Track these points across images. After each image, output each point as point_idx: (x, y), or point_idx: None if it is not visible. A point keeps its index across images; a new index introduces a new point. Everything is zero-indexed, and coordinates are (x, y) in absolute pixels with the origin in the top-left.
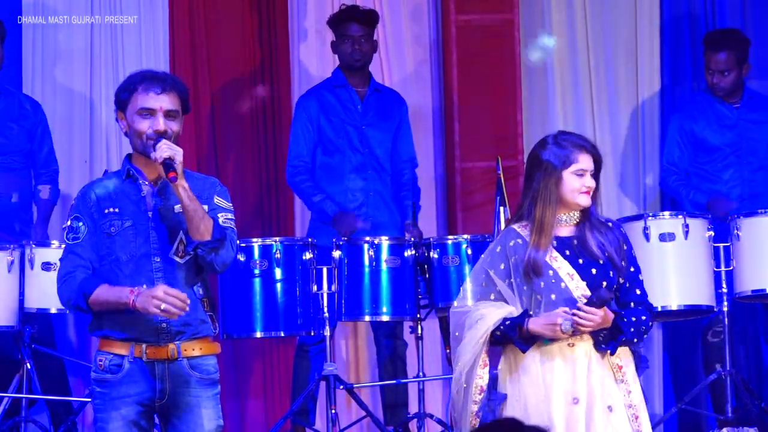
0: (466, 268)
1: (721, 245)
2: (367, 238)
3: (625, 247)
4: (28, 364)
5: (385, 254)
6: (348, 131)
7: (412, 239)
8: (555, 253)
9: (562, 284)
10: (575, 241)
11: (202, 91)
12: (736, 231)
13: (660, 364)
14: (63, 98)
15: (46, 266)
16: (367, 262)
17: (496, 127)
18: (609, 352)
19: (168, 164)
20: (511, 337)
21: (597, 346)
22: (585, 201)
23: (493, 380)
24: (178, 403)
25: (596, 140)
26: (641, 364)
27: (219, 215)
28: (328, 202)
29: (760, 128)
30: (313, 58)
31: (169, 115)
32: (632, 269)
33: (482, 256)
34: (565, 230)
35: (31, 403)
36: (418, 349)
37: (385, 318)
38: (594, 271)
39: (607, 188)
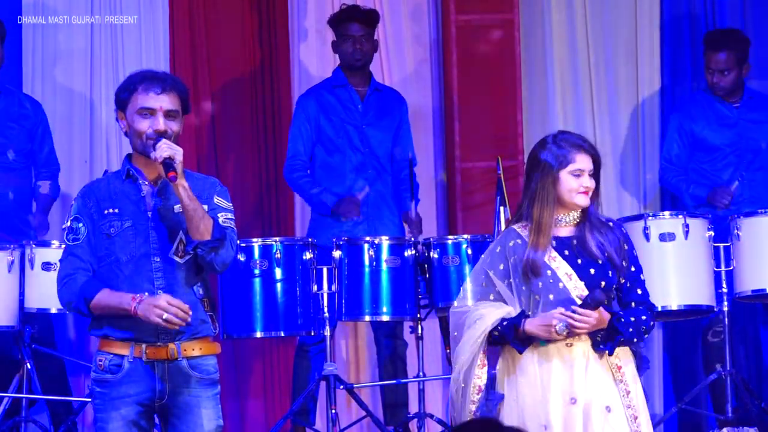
0: (466, 268)
1: (721, 245)
2: (368, 238)
3: (625, 247)
4: (28, 364)
5: (385, 254)
6: (348, 131)
7: (412, 239)
8: (554, 253)
9: (560, 284)
10: (575, 241)
11: (202, 91)
12: (736, 231)
13: (660, 364)
14: (63, 98)
15: (46, 266)
16: (367, 262)
17: (496, 127)
18: (607, 352)
19: (168, 164)
20: (508, 338)
21: (595, 346)
22: (583, 201)
23: (492, 380)
24: (177, 403)
25: (596, 140)
26: (642, 365)
27: (219, 215)
28: (327, 193)
29: (760, 128)
30: (313, 58)
31: (169, 114)
32: (633, 269)
33: (482, 256)
34: (565, 230)
35: (31, 403)
36: (418, 349)
37: (385, 318)
38: (592, 271)
39: (607, 188)
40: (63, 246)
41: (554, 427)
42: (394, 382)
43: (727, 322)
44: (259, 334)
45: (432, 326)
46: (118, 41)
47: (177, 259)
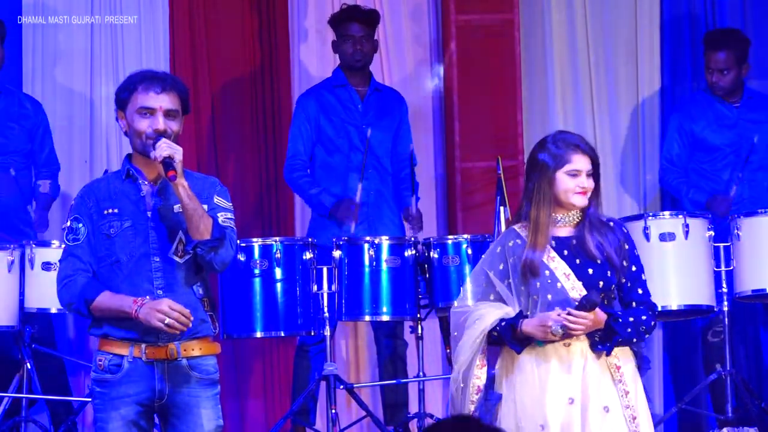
0: (466, 268)
1: (721, 245)
2: (368, 238)
3: (626, 247)
4: (28, 364)
5: (385, 254)
6: (349, 131)
7: (412, 238)
8: (553, 253)
9: (558, 284)
10: (574, 241)
11: (202, 91)
12: (736, 231)
13: (660, 364)
14: (63, 98)
15: (46, 266)
16: (367, 261)
17: (496, 127)
18: (605, 353)
19: (167, 163)
20: (506, 338)
21: (593, 347)
22: (580, 201)
23: (491, 380)
24: (177, 403)
25: (596, 140)
26: (643, 365)
27: (219, 215)
28: (325, 194)
29: (759, 128)
30: (313, 58)
31: (168, 114)
32: (634, 268)
33: (483, 256)
34: (565, 230)
35: (31, 403)
36: (418, 349)
37: (385, 318)
38: (590, 271)
39: (607, 188)
40: (63, 246)
41: (551, 427)
42: (394, 382)
43: (727, 322)
44: (259, 334)
45: (432, 326)
46: (118, 41)
47: (177, 258)
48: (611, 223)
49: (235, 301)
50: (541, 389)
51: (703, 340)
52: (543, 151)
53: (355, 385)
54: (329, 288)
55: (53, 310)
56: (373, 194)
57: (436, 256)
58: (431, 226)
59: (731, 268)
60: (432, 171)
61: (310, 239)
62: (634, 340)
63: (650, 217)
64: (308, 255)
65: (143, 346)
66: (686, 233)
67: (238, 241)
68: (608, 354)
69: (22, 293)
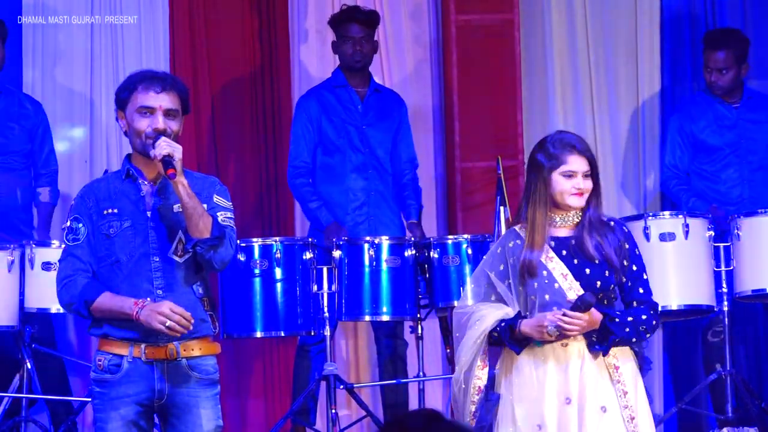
0: (466, 268)
1: (721, 245)
2: (368, 238)
3: (626, 246)
4: (29, 364)
5: (385, 254)
6: (349, 131)
7: (413, 239)
8: (551, 254)
9: (556, 285)
10: (573, 242)
11: (202, 91)
12: (736, 231)
13: (660, 364)
14: (63, 98)
15: (46, 266)
16: (367, 261)
17: (496, 127)
18: (602, 353)
19: (167, 161)
20: (505, 339)
21: (590, 347)
22: (575, 202)
23: (492, 380)
24: (177, 403)
25: (596, 140)
26: (644, 365)
27: (218, 214)
28: (324, 210)
29: (759, 128)
30: (314, 59)
31: (168, 113)
32: (635, 268)
33: (484, 257)
34: (564, 231)
35: (31, 403)
36: (418, 349)
37: (385, 318)
38: (588, 271)
39: (607, 188)
40: (63, 246)
41: (549, 427)
42: (394, 382)
43: (727, 322)
44: (259, 334)
45: (432, 326)
46: (118, 41)
47: (176, 258)
48: (612, 223)
49: (235, 301)
50: (538, 389)
51: (703, 340)
52: (541, 151)
53: (355, 385)
54: (329, 288)
55: (53, 310)
56: (374, 194)
57: (436, 256)
58: (431, 226)
59: (731, 268)
60: (432, 171)
61: (310, 239)
62: (634, 339)
63: (650, 217)
64: (308, 255)
65: (143, 346)
66: (686, 233)
67: (238, 241)
68: (605, 354)
69: (22, 293)
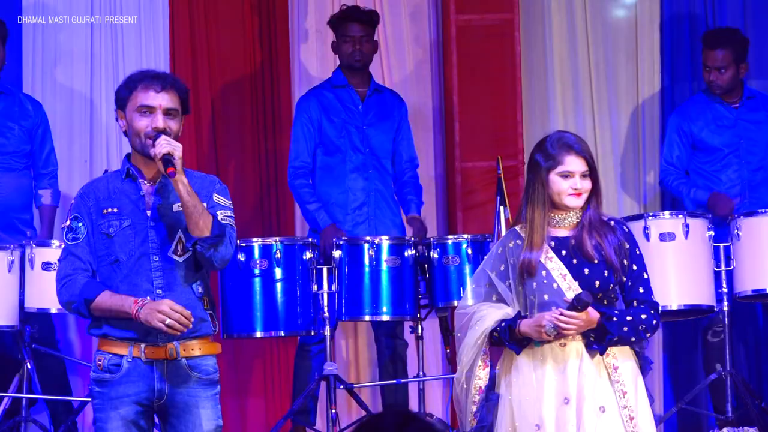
0: (466, 268)
1: (721, 245)
2: (368, 238)
3: (626, 246)
4: (29, 364)
5: (385, 254)
6: (350, 131)
7: (413, 239)
8: (551, 254)
9: (555, 285)
10: (573, 242)
11: (202, 91)
12: (736, 231)
13: (660, 364)
14: (63, 98)
15: (46, 266)
16: (367, 261)
17: (496, 127)
18: (599, 352)
19: (167, 159)
20: (504, 339)
21: (588, 346)
22: (573, 203)
23: (493, 381)
24: (176, 403)
25: (596, 140)
26: (645, 365)
27: (218, 212)
28: (322, 212)
29: (759, 128)
30: (314, 59)
31: (168, 113)
32: (635, 267)
33: (486, 257)
34: (564, 231)
35: (31, 402)
36: (418, 349)
37: (385, 318)
38: (586, 271)
39: (607, 188)
40: (62, 245)
41: (547, 427)
42: (394, 382)
43: (727, 322)
44: (259, 334)
45: (432, 326)
46: (118, 41)
47: (176, 257)
48: (612, 223)
49: (235, 301)
50: (537, 390)
51: (703, 340)
52: (539, 151)
53: (355, 385)
54: (329, 288)
55: (53, 310)
56: (374, 194)
57: (436, 256)
58: (431, 226)
59: (731, 268)
60: (432, 171)
61: (310, 239)
62: (633, 339)
63: (650, 217)
64: (308, 255)
65: (143, 345)
66: (686, 233)
67: (238, 241)
68: (602, 353)
69: (22, 293)
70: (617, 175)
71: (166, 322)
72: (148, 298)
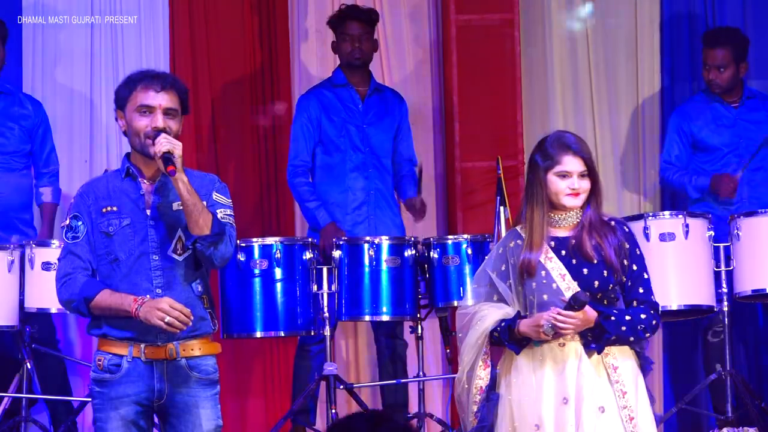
0: (466, 268)
1: (721, 245)
2: (368, 238)
3: (626, 246)
4: (28, 364)
5: (385, 254)
6: (350, 130)
7: (412, 238)
8: (551, 254)
9: (554, 285)
10: (573, 242)
11: (202, 92)
12: (736, 231)
13: (660, 364)
14: (63, 98)
15: (46, 266)
16: (367, 261)
17: (496, 127)
18: (596, 351)
19: (167, 158)
20: (504, 339)
21: (586, 346)
22: (571, 203)
23: (494, 380)
24: (176, 403)
25: (596, 140)
26: (645, 365)
27: (218, 211)
28: (322, 210)
29: (759, 128)
30: (313, 58)
31: (168, 112)
32: (635, 267)
33: (487, 257)
34: (564, 231)
35: (31, 402)
36: (418, 349)
37: (385, 318)
38: (585, 271)
39: (607, 188)
40: (62, 245)
41: (546, 426)
42: (394, 382)
43: (727, 322)
44: (259, 334)
45: (432, 326)
46: (118, 41)
47: (176, 256)
48: (612, 223)
49: (235, 301)
50: (536, 389)
51: (703, 340)
52: (539, 151)
53: (355, 385)
54: (329, 288)
55: (53, 310)
56: (373, 194)
57: (436, 256)
58: (431, 226)
59: (731, 268)
60: (432, 171)
61: (310, 239)
62: (632, 339)
63: (650, 217)
64: (308, 255)
65: (142, 346)
66: (686, 233)
67: (238, 241)
68: (599, 352)
69: (22, 293)
70: (617, 175)
71: (166, 320)
72: (148, 296)
